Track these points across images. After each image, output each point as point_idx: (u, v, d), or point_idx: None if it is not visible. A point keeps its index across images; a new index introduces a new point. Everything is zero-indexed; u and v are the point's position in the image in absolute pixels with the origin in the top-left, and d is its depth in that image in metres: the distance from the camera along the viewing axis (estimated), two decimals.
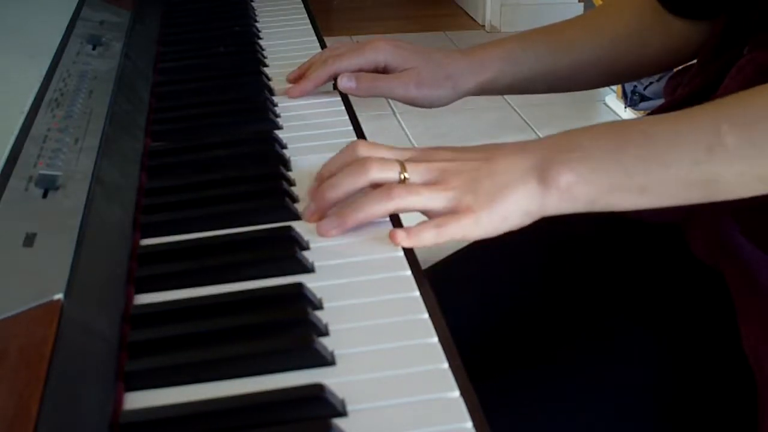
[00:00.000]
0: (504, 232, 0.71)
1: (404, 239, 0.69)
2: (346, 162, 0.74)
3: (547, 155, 0.70)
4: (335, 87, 0.97)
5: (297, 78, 0.99)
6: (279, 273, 0.66)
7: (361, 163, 0.72)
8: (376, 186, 0.72)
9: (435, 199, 0.70)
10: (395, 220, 0.73)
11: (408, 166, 0.72)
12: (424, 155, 0.74)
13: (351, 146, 0.75)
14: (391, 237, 0.69)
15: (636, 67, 1.01)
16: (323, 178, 0.74)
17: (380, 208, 0.70)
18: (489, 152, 0.72)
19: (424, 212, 0.71)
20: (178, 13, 1.24)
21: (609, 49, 0.99)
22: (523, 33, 1.02)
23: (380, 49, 0.97)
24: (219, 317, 0.61)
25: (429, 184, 0.71)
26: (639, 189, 0.69)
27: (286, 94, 0.97)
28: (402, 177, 0.71)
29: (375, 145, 0.76)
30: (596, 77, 1.02)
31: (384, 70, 0.97)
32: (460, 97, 0.99)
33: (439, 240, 0.69)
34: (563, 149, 0.71)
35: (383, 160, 0.72)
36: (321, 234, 0.70)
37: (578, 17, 1.04)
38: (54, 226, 0.63)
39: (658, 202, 0.70)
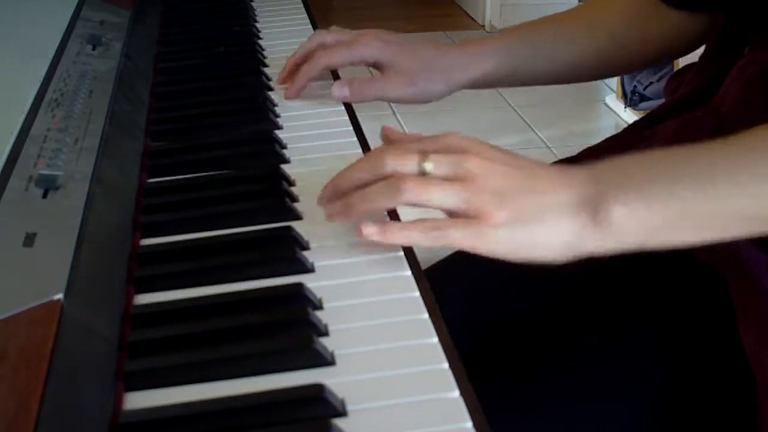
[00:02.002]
0: (527, 260, 0.64)
1: (396, 232, 0.64)
2: (364, 158, 0.70)
3: (596, 187, 0.64)
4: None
5: (287, 77, 0.99)
6: (279, 273, 0.66)
7: (378, 153, 0.68)
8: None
9: (456, 197, 0.63)
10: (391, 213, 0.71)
11: (432, 157, 0.65)
12: (458, 142, 0.67)
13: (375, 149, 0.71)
14: (359, 231, 0.65)
15: (634, 60, 1.01)
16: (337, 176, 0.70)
17: (388, 200, 0.66)
18: (530, 166, 0.66)
19: (441, 211, 0.66)
20: (178, 13, 1.24)
21: (606, 42, 0.98)
22: (518, 26, 1.01)
23: (370, 46, 0.96)
24: (219, 317, 0.61)
25: (451, 179, 0.65)
26: (694, 224, 0.65)
27: (286, 95, 0.97)
28: (422, 168, 0.65)
29: (406, 136, 0.71)
30: (593, 70, 1.01)
31: (374, 66, 0.97)
32: (453, 91, 0.98)
33: (428, 244, 0.64)
34: (614, 181, 0.65)
35: (403, 149, 0.67)
36: (326, 217, 0.69)
37: (575, 9, 1.03)
38: (54, 226, 0.63)
39: (712, 237, 0.66)
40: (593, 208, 0.64)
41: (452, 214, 0.65)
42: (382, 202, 0.66)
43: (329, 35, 0.99)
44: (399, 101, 0.97)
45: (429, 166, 0.65)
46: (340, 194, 0.69)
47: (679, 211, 0.64)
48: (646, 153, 0.67)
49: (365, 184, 0.67)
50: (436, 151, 0.66)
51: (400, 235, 0.65)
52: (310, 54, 0.97)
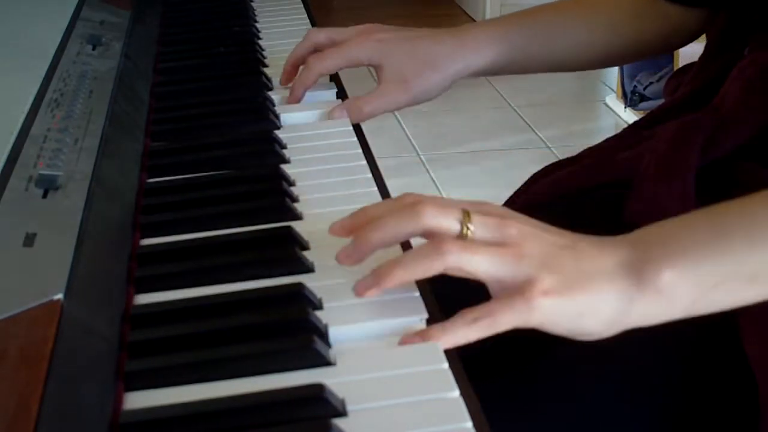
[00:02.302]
0: (573, 333, 0.60)
1: (439, 334, 0.57)
2: (398, 203, 0.63)
3: (639, 251, 0.61)
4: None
5: (286, 80, 0.99)
6: (279, 273, 0.66)
7: (414, 204, 0.61)
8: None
9: (502, 266, 0.59)
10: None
11: (474, 216, 0.60)
12: (497, 210, 0.63)
13: (404, 194, 0.65)
14: (414, 337, 0.58)
15: (631, 51, 1.01)
16: (364, 216, 0.64)
17: (427, 267, 0.59)
18: (571, 237, 0.62)
19: (483, 282, 0.60)
20: (178, 13, 1.24)
21: (604, 31, 0.98)
22: (517, 14, 1.00)
23: (363, 47, 0.95)
24: (219, 317, 0.61)
25: (495, 244, 0.60)
26: (749, 278, 0.61)
27: (286, 103, 0.97)
28: (464, 229, 0.60)
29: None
30: (590, 59, 1.01)
31: (369, 65, 0.96)
32: (451, 81, 0.96)
33: (490, 334, 0.59)
34: (657, 243, 0.61)
35: (443, 204, 0.61)
36: (356, 294, 0.61)
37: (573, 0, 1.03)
38: (54, 226, 0.63)
39: (766, 293, 0.62)
40: (639, 272, 0.60)
41: (489, 285, 0.61)
42: (420, 269, 0.60)
43: (323, 34, 0.98)
44: (399, 109, 0.96)
45: (472, 227, 0.60)
46: (367, 249, 0.63)
47: (731, 269, 0.61)
48: (688, 214, 0.64)
49: (398, 240, 0.62)
50: (477, 212, 0.61)
51: (446, 339, 0.58)
52: (305, 57, 0.97)
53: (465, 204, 0.62)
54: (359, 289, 0.61)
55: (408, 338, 0.59)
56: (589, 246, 0.61)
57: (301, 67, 0.98)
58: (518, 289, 0.59)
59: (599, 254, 0.61)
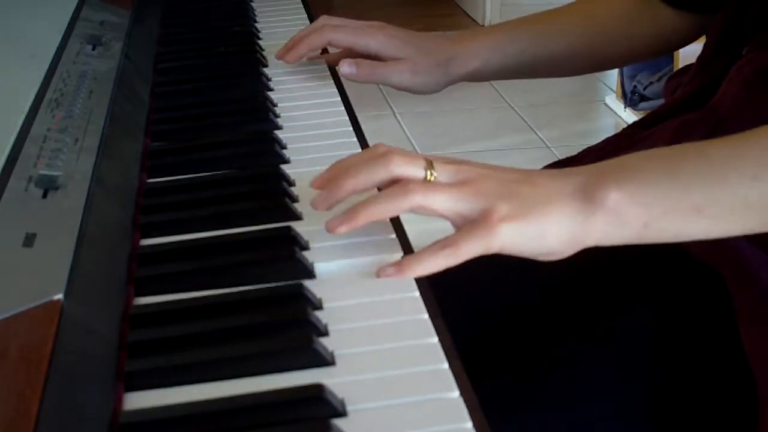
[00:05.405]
0: (537, 254, 0.64)
1: (394, 273, 0.63)
2: (370, 153, 0.68)
3: (593, 176, 0.65)
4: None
5: (285, 52, 1.02)
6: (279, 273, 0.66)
7: (384, 154, 0.67)
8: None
9: (461, 201, 0.64)
10: (396, 225, 0.70)
11: (437, 165, 0.66)
12: (459, 159, 0.68)
13: (375, 145, 0.70)
14: (381, 272, 0.63)
15: (624, 55, 1.03)
16: (338, 167, 0.69)
17: (395, 205, 0.64)
18: (528, 172, 0.67)
19: (447, 219, 0.65)
20: (178, 13, 1.24)
21: (598, 37, 1.00)
22: (512, 22, 1.03)
23: (375, 37, 0.99)
24: (219, 317, 0.61)
25: (456, 184, 0.65)
26: (695, 209, 0.64)
27: (283, 58, 1.01)
28: (428, 175, 0.65)
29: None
30: (584, 64, 1.03)
31: (374, 57, 0.99)
32: (452, 83, 1.01)
33: (456, 262, 0.63)
34: (610, 170, 0.66)
35: (409, 154, 0.67)
36: (329, 230, 0.66)
37: (568, 5, 1.05)
38: (54, 226, 0.63)
39: (714, 227, 0.66)
40: (591, 193, 0.64)
41: (452, 221, 0.65)
42: (388, 207, 0.65)
43: (337, 18, 1.02)
44: (401, 87, 0.99)
45: (435, 173, 0.65)
46: (340, 194, 0.67)
47: (679, 196, 0.64)
48: (647, 150, 0.68)
49: (368, 186, 0.67)
50: (439, 161, 0.66)
51: (418, 268, 0.64)
52: (318, 27, 1.01)
53: (430, 156, 0.67)
54: (331, 226, 0.66)
55: (384, 271, 0.64)
56: (544, 177, 0.66)
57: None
58: (478, 219, 0.63)
59: (554, 182, 0.65)
